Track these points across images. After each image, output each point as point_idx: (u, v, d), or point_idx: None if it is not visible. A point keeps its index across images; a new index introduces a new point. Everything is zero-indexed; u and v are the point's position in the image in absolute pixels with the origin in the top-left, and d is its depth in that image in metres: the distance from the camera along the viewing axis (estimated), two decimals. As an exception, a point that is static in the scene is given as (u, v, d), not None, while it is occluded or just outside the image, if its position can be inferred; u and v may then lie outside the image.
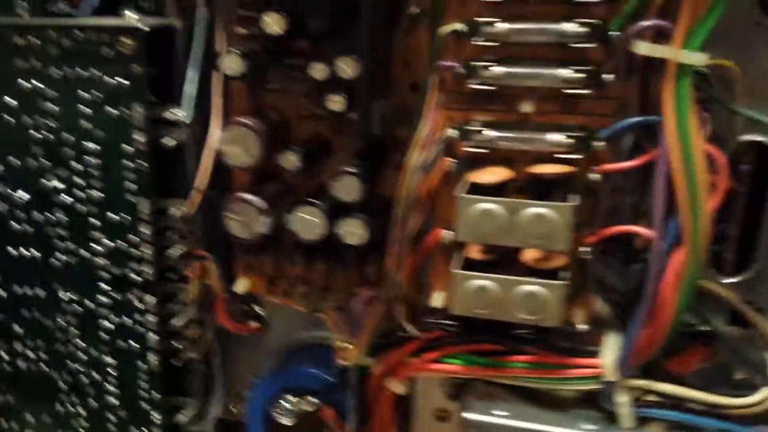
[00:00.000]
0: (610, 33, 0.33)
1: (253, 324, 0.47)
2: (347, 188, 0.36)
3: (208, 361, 0.47)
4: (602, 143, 0.34)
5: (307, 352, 0.46)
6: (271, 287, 0.43)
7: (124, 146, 0.40)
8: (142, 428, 0.46)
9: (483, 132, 0.35)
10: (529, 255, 0.36)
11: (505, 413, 0.37)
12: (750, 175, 0.35)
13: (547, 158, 0.35)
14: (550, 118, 0.35)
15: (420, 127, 0.37)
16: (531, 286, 0.34)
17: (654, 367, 0.36)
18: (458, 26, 0.35)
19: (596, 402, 0.37)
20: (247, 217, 0.38)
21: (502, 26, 0.34)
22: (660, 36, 0.32)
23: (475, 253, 0.37)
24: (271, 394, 0.45)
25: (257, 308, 0.47)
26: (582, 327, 0.37)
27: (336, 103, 0.36)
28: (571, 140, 0.34)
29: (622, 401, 0.35)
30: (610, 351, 0.36)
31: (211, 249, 0.43)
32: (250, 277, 0.42)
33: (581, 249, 0.35)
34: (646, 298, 0.34)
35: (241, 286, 0.42)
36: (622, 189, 0.36)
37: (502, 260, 0.36)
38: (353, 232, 0.37)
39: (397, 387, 0.41)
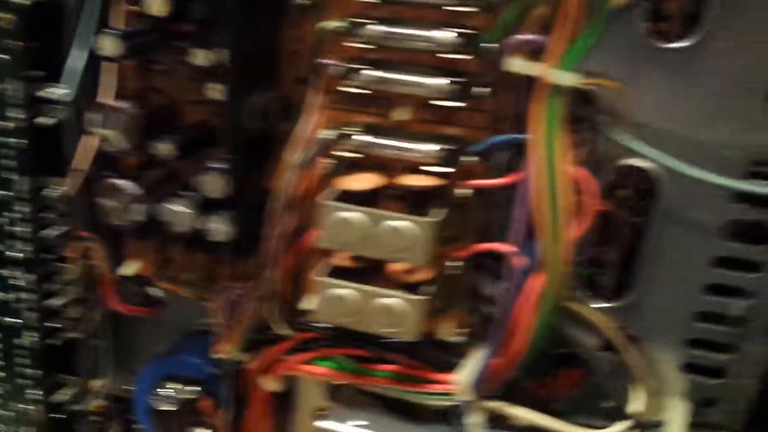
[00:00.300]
0: (484, 44, 0.31)
1: (148, 306, 0.46)
2: (213, 184, 0.35)
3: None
4: (473, 157, 0.33)
5: (198, 339, 0.45)
6: (158, 272, 0.42)
7: (2, 122, 0.39)
8: (22, 404, 0.45)
9: (354, 136, 0.34)
10: (396, 266, 0.35)
11: (362, 423, 0.36)
12: (630, 200, 0.34)
13: (420, 169, 0.34)
14: (427, 127, 0.34)
15: (300, 124, 0.36)
16: (390, 299, 0.33)
17: (518, 389, 0.35)
18: (335, 24, 0.33)
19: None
20: (120, 203, 0.37)
21: (375, 28, 0.32)
22: (537, 52, 0.31)
23: (343, 260, 0.36)
24: (155, 379, 0.44)
25: (153, 290, 0.46)
26: (452, 339, 0.36)
27: (215, 91, 0.35)
28: (440, 153, 0.33)
29: (473, 422, 0.34)
30: (469, 368, 0.35)
31: (97, 230, 0.42)
32: (139, 260, 0.42)
33: (449, 263, 0.34)
34: (501, 319, 0.33)
35: (129, 268, 0.41)
36: (499, 204, 0.35)
37: (370, 270, 0.35)
38: (218, 228, 0.36)
39: (270, 384, 0.41)
